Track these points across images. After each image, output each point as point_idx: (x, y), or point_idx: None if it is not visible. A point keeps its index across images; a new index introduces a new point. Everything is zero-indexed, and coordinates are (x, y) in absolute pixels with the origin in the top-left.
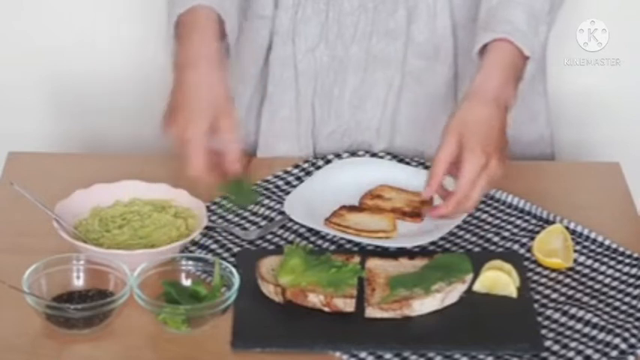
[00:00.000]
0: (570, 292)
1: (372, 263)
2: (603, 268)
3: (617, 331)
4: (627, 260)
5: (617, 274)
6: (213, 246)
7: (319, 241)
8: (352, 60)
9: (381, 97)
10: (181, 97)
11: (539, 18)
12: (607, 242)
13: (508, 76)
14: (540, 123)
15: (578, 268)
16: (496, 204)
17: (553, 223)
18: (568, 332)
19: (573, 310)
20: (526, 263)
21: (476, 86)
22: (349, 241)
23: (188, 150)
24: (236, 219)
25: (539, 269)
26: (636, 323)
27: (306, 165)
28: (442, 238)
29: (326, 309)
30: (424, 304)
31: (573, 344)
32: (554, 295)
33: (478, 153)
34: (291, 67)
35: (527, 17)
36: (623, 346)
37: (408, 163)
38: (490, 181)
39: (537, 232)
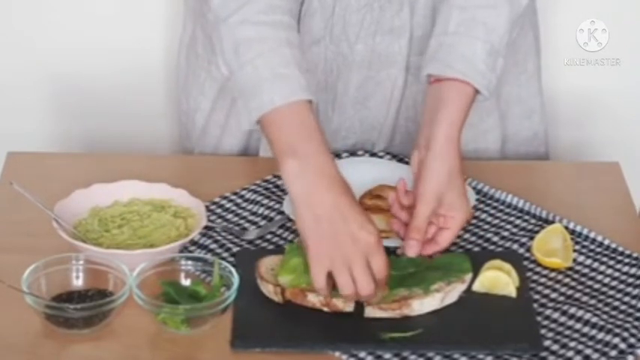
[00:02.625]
0: (570, 292)
1: None
2: (603, 267)
3: (617, 330)
4: (627, 260)
5: (617, 274)
6: (213, 246)
7: None
8: (356, 58)
9: (386, 96)
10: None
11: (497, 52)
12: (606, 242)
13: (464, 115)
14: (535, 121)
15: (578, 267)
16: (495, 204)
17: (552, 222)
18: (567, 332)
19: (573, 310)
20: (525, 263)
21: (443, 132)
22: None
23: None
24: (235, 219)
25: (538, 269)
26: (635, 323)
27: None
28: None
29: (325, 309)
30: (424, 304)
31: (573, 344)
32: (554, 295)
33: (463, 209)
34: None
35: (486, 55)
36: (623, 345)
37: (407, 163)
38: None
39: (537, 232)
